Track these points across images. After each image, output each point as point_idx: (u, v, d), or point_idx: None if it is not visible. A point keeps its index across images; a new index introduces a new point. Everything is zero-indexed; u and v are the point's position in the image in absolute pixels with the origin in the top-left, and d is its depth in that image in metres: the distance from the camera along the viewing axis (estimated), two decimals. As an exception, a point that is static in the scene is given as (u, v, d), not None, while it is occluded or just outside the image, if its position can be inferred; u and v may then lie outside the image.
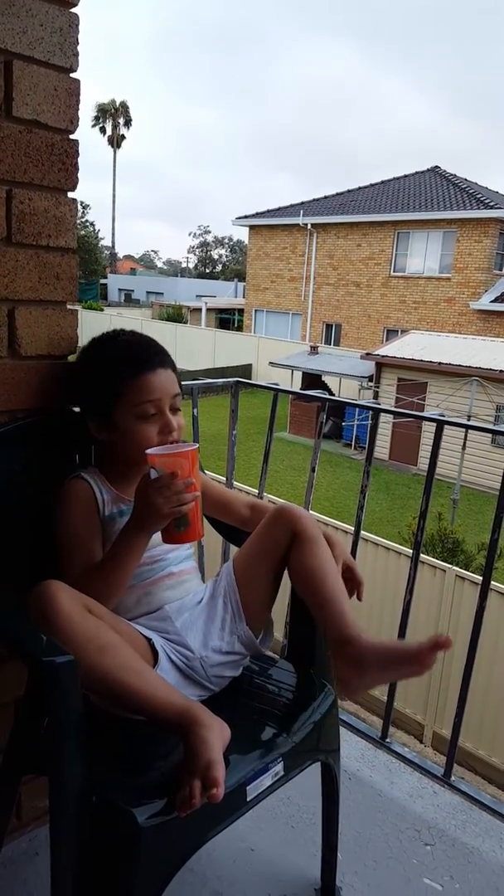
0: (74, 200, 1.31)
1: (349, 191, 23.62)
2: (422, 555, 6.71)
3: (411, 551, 1.96)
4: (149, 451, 1.14)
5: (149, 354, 1.26)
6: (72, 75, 1.26)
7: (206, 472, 1.44)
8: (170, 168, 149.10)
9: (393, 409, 2.56)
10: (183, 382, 1.61)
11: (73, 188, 1.30)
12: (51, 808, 0.96)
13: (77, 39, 1.24)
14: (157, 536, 1.23)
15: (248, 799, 1.06)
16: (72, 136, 1.28)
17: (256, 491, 2.38)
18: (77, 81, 1.27)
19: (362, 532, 2.06)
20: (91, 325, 21.62)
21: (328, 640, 1.17)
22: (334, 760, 1.31)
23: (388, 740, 1.92)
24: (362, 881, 1.45)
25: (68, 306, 1.35)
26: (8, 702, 1.36)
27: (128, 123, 47.54)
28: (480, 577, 5.22)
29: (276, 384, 2.33)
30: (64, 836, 0.96)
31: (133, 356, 1.25)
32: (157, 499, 1.10)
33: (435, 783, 1.77)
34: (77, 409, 1.34)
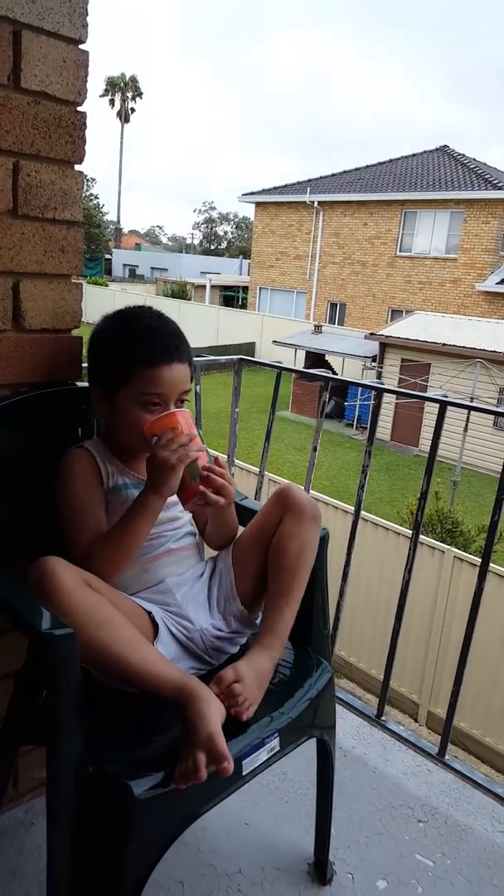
0: (81, 173, 1.29)
1: (356, 169, 23.32)
2: (421, 536, 6.75)
3: (410, 532, 1.96)
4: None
5: (168, 346, 1.22)
6: (80, 47, 1.24)
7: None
8: (173, 145, 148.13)
9: (395, 388, 2.54)
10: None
11: (80, 161, 1.28)
12: (48, 779, 0.97)
13: (86, 10, 1.22)
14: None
15: (244, 773, 1.07)
16: (80, 109, 1.26)
17: (257, 469, 2.39)
18: (86, 53, 1.25)
19: (362, 512, 2.06)
20: (95, 299, 21.50)
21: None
22: (330, 737, 1.33)
23: (383, 718, 1.95)
24: (355, 856, 1.47)
25: (73, 280, 1.34)
26: (7, 673, 1.38)
27: (136, 97, 46.87)
28: (479, 559, 5.23)
29: (280, 362, 2.32)
30: (60, 807, 0.98)
31: (152, 345, 1.21)
32: (162, 453, 1.11)
33: (429, 761, 1.80)
34: (81, 384, 1.33)
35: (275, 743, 1.13)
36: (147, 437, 1.16)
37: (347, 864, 1.45)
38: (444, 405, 1.88)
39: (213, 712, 1.00)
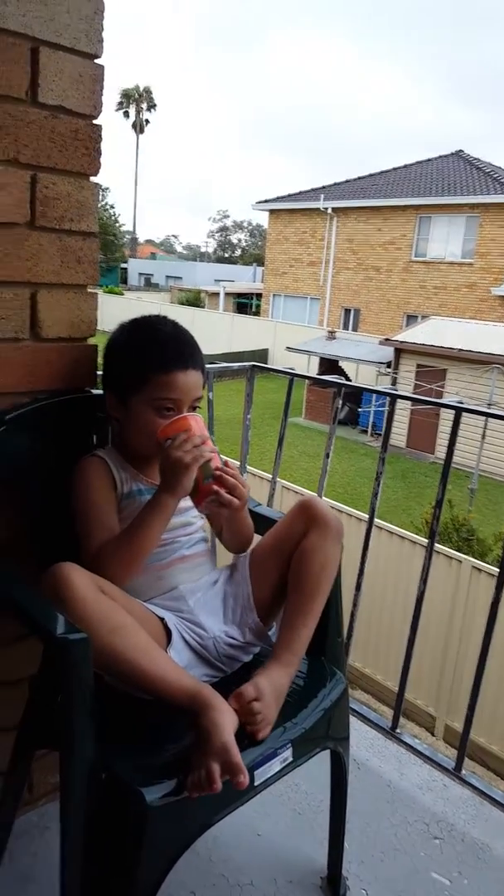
0: (96, 185, 1.31)
1: (370, 175, 23.33)
2: (438, 545, 6.67)
3: (426, 540, 1.95)
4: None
5: (182, 353, 1.25)
6: (96, 61, 1.26)
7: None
8: (185, 156, 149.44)
9: (409, 395, 2.52)
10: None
11: (96, 173, 1.30)
12: (61, 783, 0.98)
13: (102, 26, 1.24)
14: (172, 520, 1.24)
15: (256, 784, 1.07)
16: (95, 122, 1.28)
17: (270, 476, 2.38)
18: (101, 67, 1.27)
19: (376, 520, 2.05)
20: (111, 308, 21.65)
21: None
22: (343, 749, 1.32)
23: (398, 731, 1.93)
24: (369, 872, 1.46)
25: (89, 290, 1.35)
26: (23, 678, 1.39)
27: (150, 108, 47.33)
28: (497, 569, 5.18)
29: (292, 369, 2.32)
30: (73, 812, 0.98)
31: (167, 351, 1.24)
32: (176, 453, 1.12)
33: (445, 776, 1.77)
34: (96, 391, 1.35)
35: (287, 754, 1.12)
36: (160, 442, 1.18)
37: (361, 880, 1.43)
38: (459, 412, 1.86)
39: (227, 721, 0.99)
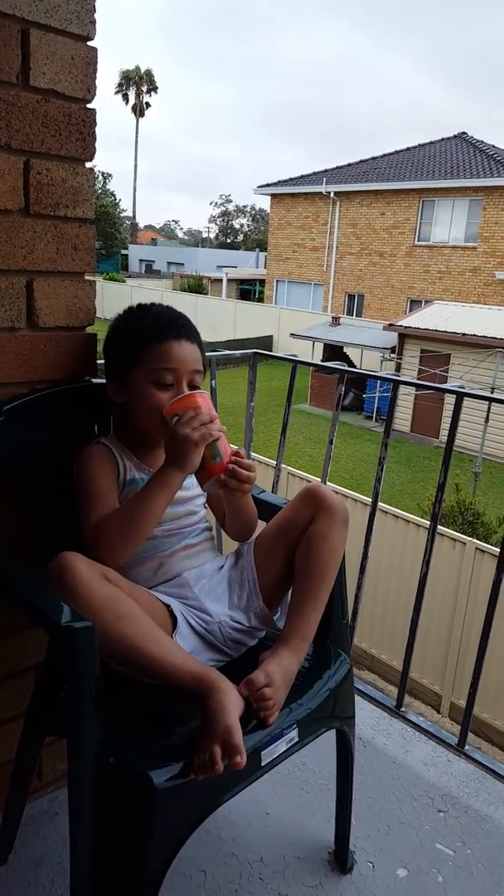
0: (91, 170, 1.30)
1: (373, 158, 23.11)
2: (442, 528, 6.68)
3: (429, 523, 1.96)
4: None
5: (175, 324, 1.27)
6: (89, 43, 1.24)
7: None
8: (186, 141, 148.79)
9: (412, 380, 2.50)
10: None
11: (91, 158, 1.29)
12: (69, 769, 0.99)
13: (94, 7, 1.22)
14: (172, 510, 1.25)
15: (263, 764, 1.08)
16: (89, 106, 1.27)
17: (274, 462, 2.39)
18: (94, 50, 1.25)
19: (381, 504, 2.06)
20: (112, 296, 21.59)
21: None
22: (349, 728, 1.33)
23: (403, 709, 1.94)
24: (375, 845, 1.48)
25: (86, 277, 1.35)
26: (30, 667, 1.40)
27: (151, 91, 46.85)
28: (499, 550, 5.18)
29: (295, 355, 2.31)
30: (82, 797, 1.00)
31: (161, 323, 1.26)
32: (184, 430, 1.12)
33: (449, 752, 1.79)
34: (96, 381, 1.35)
35: (293, 734, 1.13)
36: (167, 419, 1.18)
37: (368, 853, 1.46)
38: (461, 396, 1.86)
39: (232, 704, 1.01)
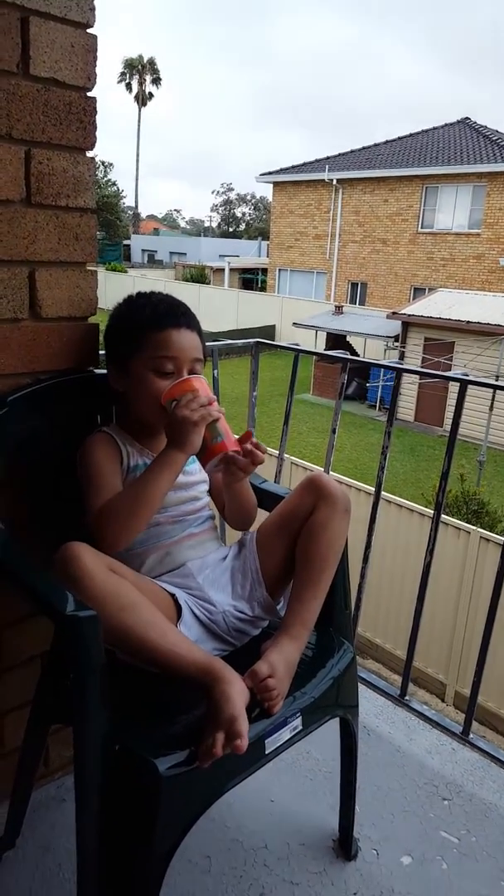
0: (92, 159, 1.29)
1: (375, 144, 22.94)
2: (446, 517, 6.68)
3: (433, 512, 1.95)
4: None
5: (175, 312, 1.27)
6: (88, 31, 1.23)
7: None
8: (187, 129, 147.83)
9: (415, 368, 2.48)
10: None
11: (92, 147, 1.28)
12: (75, 757, 1.00)
13: (93, -7, 1.21)
14: (175, 496, 1.25)
15: (267, 752, 1.09)
16: (89, 94, 1.26)
17: (276, 452, 2.39)
18: (94, 37, 1.24)
19: (385, 493, 2.06)
20: (114, 286, 21.52)
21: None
22: (353, 716, 1.34)
23: (407, 698, 1.95)
24: (380, 833, 1.49)
25: (88, 267, 1.34)
26: (36, 655, 1.41)
27: (155, 81, 46.49)
28: (503, 538, 5.18)
29: (297, 344, 2.31)
30: (87, 784, 1.00)
31: (161, 311, 1.26)
32: (183, 412, 1.13)
33: (454, 740, 1.80)
34: (99, 371, 1.35)
35: (297, 722, 1.14)
36: (165, 405, 1.18)
37: (372, 841, 1.47)
38: (464, 384, 1.85)
39: (237, 694, 1.01)
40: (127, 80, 46.08)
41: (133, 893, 1.01)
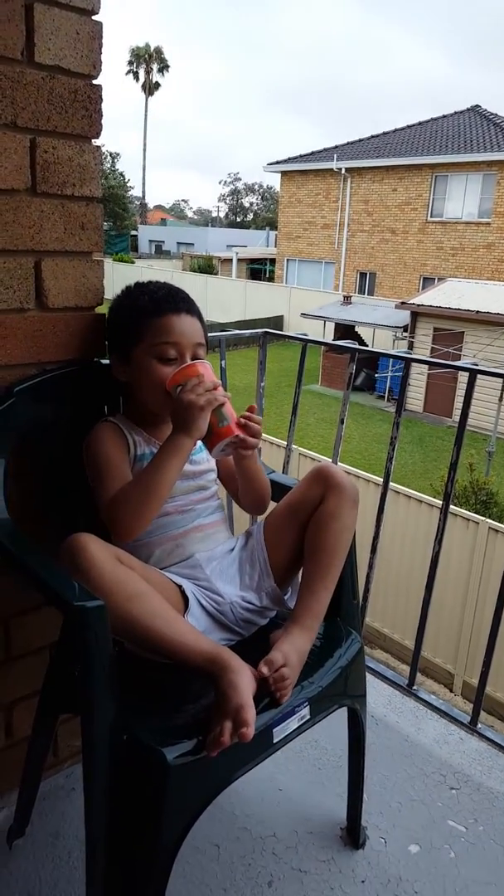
0: (98, 148, 1.28)
1: (384, 133, 22.73)
2: (455, 507, 6.65)
3: (441, 503, 1.95)
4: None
5: (174, 298, 1.26)
6: (94, 18, 1.22)
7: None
8: (194, 119, 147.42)
9: (423, 358, 2.46)
10: (211, 334, 1.60)
11: (98, 135, 1.27)
12: (83, 747, 1.00)
13: (97, -22, 1.20)
14: (183, 485, 1.25)
15: (275, 741, 1.09)
16: (95, 82, 1.25)
17: (285, 443, 2.38)
18: (99, 24, 1.23)
19: (393, 484, 2.05)
20: (122, 277, 21.46)
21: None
22: (360, 706, 1.34)
23: (415, 688, 1.95)
24: (387, 822, 1.49)
25: (94, 257, 1.34)
26: (44, 646, 1.42)
27: (162, 70, 46.24)
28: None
29: (305, 334, 2.30)
30: (95, 773, 1.01)
31: (159, 297, 1.25)
32: (189, 397, 1.13)
33: (462, 730, 1.80)
34: (105, 361, 1.34)
35: (305, 712, 1.14)
36: (170, 391, 1.18)
37: (380, 829, 1.47)
38: (473, 374, 1.84)
39: (245, 683, 1.01)
40: (134, 70, 45.87)
41: (141, 881, 1.02)
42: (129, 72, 45.73)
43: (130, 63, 45.62)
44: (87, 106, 1.24)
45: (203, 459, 1.33)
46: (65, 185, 1.24)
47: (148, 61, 45.79)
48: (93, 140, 1.27)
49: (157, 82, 46.69)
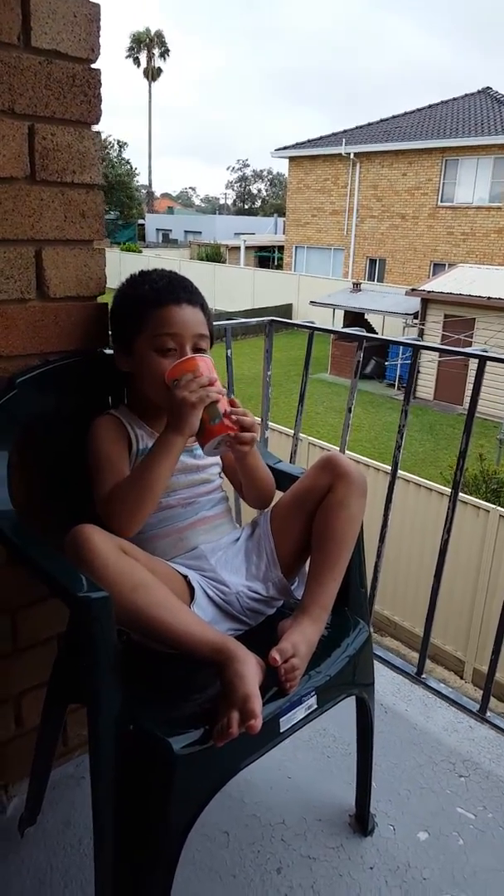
0: (98, 134, 1.27)
1: (393, 117, 22.45)
2: (465, 495, 6.60)
3: (450, 491, 1.93)
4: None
5: (175, 289, 1.25)
6: (91, 0, 1.20)
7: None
8: (200, 106, 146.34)
9: (432, 345, 2.43)
10: (217, 322, 1.58)
11: (97, 121, 1.25)
12: (90, 737, 1.01)
13: (93, -41, 1.18)
14: (186, 478, 1.24)
15: (282, 730, 1.09)
16: (93, 66, 1.23)
17: (292, 432, 2.37)
18: (97, 6, 1.21)
19: (403, 472, 2.03)
20: (129, 267, 21.41)
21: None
22: (368, 695, 1.33)
23: (423, 676, 1.94)
24: (396, 809, 1.49)
25: (95, 245, 1.32)
26: (52, 636, 1.42)
27: (164, 55, 45.90)
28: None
29: (312, 322, 2.27)
30: (102, 763, 1.01)
31: (160, 287, 1.24)
32: (181, 393, 1.12)
33: (471, 718, 1.79)
34: (109, 351, 1.34)
35: (312, 701, 1.14)
36: (169, 384, 1.17)
37: (389, 817, 1.47)
38: (483, 360, 1.82)
39: (251, 673, 1.01)
40: (135, 55, 45.55)
41: (150, 869, 1.02)
42: (128, 56, 45.45)
43: (131, 49, 45.32)
44: (86, 91, 1.22)
45: None
46: (64, 172, 1.23)
47: (149, 46, 45.45)
48: (92, 126, 1.25)
49: (158, 68, 46.37)
